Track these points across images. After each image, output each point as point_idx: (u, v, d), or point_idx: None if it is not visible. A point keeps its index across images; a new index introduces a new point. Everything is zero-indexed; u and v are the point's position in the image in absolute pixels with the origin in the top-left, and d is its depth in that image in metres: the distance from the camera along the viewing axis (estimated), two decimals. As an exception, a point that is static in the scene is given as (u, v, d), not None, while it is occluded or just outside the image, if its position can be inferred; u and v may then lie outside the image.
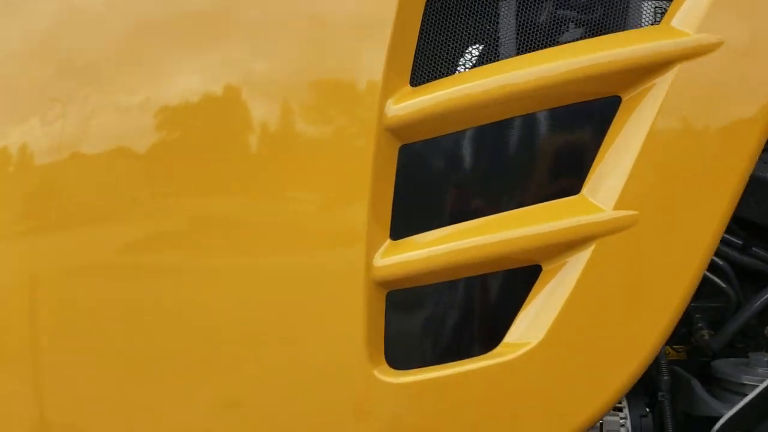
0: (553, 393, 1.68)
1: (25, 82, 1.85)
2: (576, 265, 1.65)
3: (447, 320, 1.75)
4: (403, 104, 1.65)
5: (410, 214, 1.72)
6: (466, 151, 1.72)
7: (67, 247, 1.78)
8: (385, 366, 1.71)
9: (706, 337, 2.11)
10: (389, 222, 1.70)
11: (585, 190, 1.67)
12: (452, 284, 1.74)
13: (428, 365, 1.72)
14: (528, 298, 1.70)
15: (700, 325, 2.14)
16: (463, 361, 1.70)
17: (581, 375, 1.67)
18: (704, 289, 2.06)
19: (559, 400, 1.68)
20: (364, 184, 1.65)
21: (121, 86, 1.77)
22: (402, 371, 1.71)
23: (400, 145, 1.69)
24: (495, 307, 1.75)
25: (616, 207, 1.62)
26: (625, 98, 1.65)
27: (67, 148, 1.76)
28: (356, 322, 1.68)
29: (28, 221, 1.82)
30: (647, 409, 2.04)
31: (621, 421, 2.01)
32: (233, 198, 1.74)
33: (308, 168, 1.69)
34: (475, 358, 1.70)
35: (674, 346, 2.23)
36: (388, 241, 1.71)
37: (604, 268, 1.64)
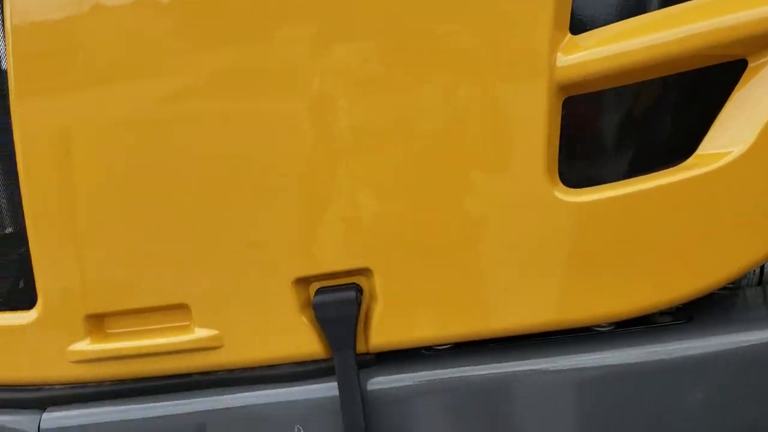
0: (758, 210, 1.46)
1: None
2: (793, 56, 1.40)
3: (629, 130, 1.50)
4: None
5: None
6: None
7: (96, 103, 1.55)
8: (562, 185, 1.48)
9: None
10: (569, 10, 1.42)
11: (804, -35, 1.40)
12: (636, 87, 1.47)
13: (607, 182, 1.49)
14: (728, 100, 1.45)
15: None
16: (650, 175, 1.47)
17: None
18: None
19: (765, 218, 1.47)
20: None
21: None
22: (583, 189, 1.48)
23: None
24: (686, 114, 1.50)
25: None
26: None
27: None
28: (536, 134, 1.43)
29: (54, 79, 1.56)
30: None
31: None
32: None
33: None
34: (663, 172, 1.47)
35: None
36: (569, 36, 1.43)
37: (829, 58, 1.39)
